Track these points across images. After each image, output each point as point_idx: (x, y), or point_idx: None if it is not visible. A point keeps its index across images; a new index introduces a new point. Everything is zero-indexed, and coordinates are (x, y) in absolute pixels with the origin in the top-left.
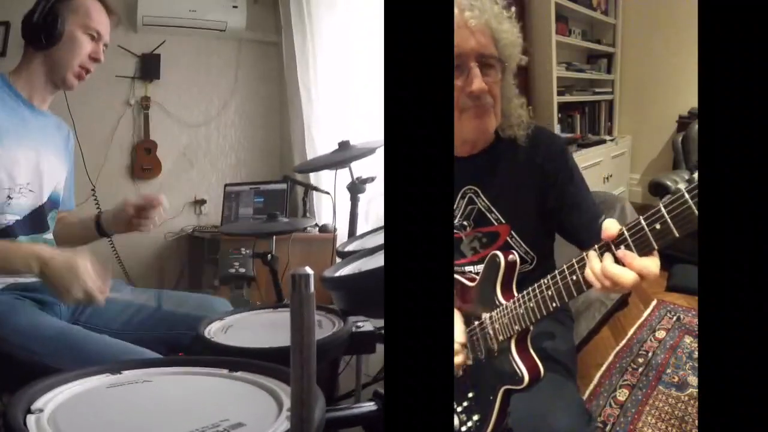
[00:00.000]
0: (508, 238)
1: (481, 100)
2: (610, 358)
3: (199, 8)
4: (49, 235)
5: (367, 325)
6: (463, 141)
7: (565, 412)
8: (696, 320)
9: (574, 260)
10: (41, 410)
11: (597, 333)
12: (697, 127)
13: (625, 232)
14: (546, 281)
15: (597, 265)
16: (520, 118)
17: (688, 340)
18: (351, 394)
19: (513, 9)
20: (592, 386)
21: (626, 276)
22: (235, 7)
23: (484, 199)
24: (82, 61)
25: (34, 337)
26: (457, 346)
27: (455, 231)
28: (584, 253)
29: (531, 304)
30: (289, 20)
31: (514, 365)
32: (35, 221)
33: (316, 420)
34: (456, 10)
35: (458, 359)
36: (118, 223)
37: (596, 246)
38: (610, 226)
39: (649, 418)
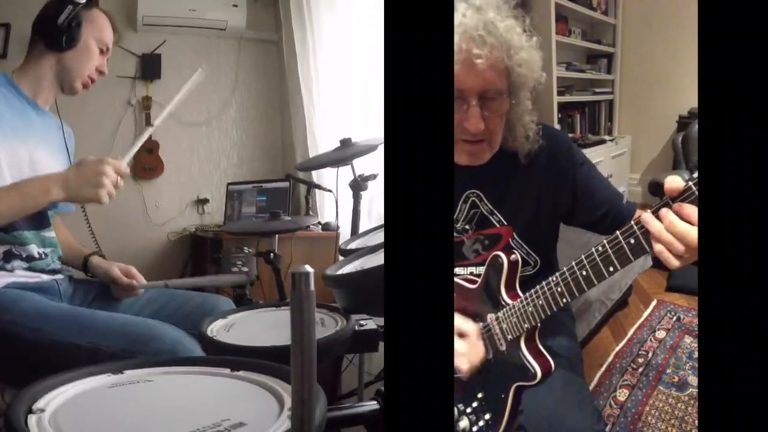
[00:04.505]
0: (510, 240)
1: (476, 137)
2: (610, 358)
3: (199, 7)
4: (51, 232)
5: (370, 323)
6: (457, 160)
7: (576, 409)
8: (696, 320)
9: (582, 256)
10: (42, 410)
11: (597, 333)
12: (697, 127)
13: (693, 186)
14: (555, 278)
15: (660, 226)
16: (527, 136)
17: (688, 340)
18: (354, 393)
19: (535, 39)
20: (592, 386)
21: (695, 234)
22: (235, 6)
23: (487, 202)
24: (90, 71)
25: (41, 317)
26: (473, 338)
27: (457, 235)
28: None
29: (540, 302)
30: (289, 18)
31: (526, 362)
32: (36, 217)
33: (317, 419)
34: (463, 45)
35: (477, 353)
36: (101, 277)
37: (650, 210)
38: (676, 179)
39: (649, 418)
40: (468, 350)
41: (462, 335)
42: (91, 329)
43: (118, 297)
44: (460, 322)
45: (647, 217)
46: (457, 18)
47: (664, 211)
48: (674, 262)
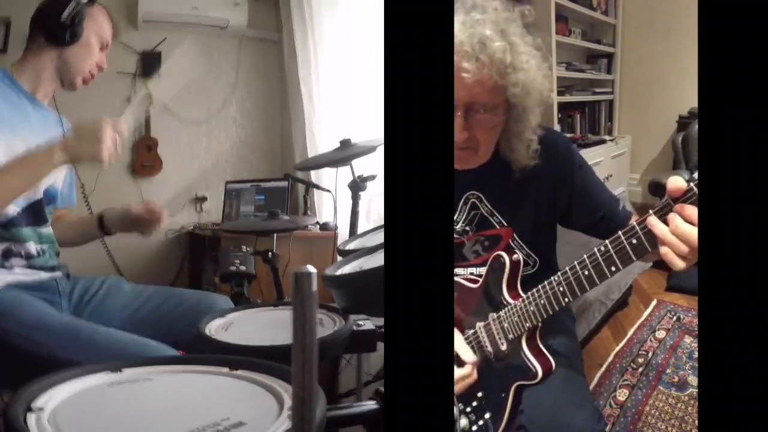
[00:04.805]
0: (510, 241)
1: (458, 145)
2: (610, 358)
3: (201, 5)
4: (48, 229)
5: (368, 323)
6: None
7: (577, 408)
8: (696, 320)
9: (585, 256)
10: (41, 409)
11: (597, 333)
12: (697, 127)
13: (695, 187)
14: (557, 278)
15: (665, 228)
16: (524, 152)
17: (688, 340)
18: (352, 393)
19: (535, 62)
20: (592, 386)
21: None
22: (236, 4)
23: (487, 203)
24: (91, 66)
25: (40, 330)
26: (468, 368)
27: (458, 236)
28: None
29: (542, 301)
30: (290, 18)
31: (527, 361)
32: (34, 214)
33: (317, 419)
34: (456, 57)
35: (469, 381)
36: (122, 226)
37: (652, 211)
38: (678, 180)
39: (649, 418)
40: (460, 377)
41: (461, 363)
42: (90, 348)
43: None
44: (463, 349)
45: (653, 220)
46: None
47: (672, 216)
48: (679, 264)
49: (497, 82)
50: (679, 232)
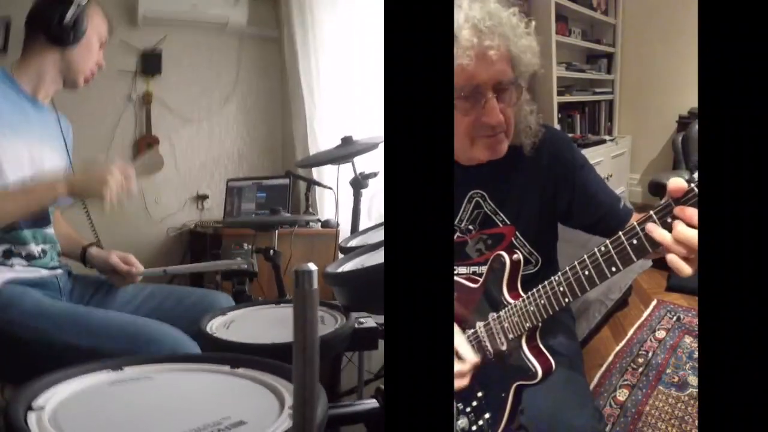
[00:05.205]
0: (513, 240)
1: (496, 129)
2: (610, 358)
3: (200, 3)
4: (50, 229)
5: (370, 321)
6: (471, 159)
7: (578, 408)
8: (696, 320)
9: (585, 256)
10: (42, 407)
11: (597, 333)
12: (697, 127)
13: (695, 188)
14: (557, 278)
15: (666, 234)
16: (528, 127)
17: (688, 340)
18: (353, 391)
19: (533, 23)
20: (592, 386)
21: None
22: (236, 2)
23: (491, 202)
24: (92, 65)
25: (39, 316)
26: (467, 365)
27: (461, 235)
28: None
29: (542, 301)
30: (291, 15)
31: (527, 361)
32: (38, 215)
33: (318, 418)
34: (474, 39)
35: (464, 381)
36: (100, 267)
37: (653, 211)
38: (678, 180)
39: (649, 418)
40: (456, 373)
41: (460, 358)
42: (89, 330)
43: (116, 286)
44: (463, 347)
45: (652, 226)
46: (464, 13)
47: (676, 222)
48: (686, 269)
49: (513, 53)
50: (682, 237)
